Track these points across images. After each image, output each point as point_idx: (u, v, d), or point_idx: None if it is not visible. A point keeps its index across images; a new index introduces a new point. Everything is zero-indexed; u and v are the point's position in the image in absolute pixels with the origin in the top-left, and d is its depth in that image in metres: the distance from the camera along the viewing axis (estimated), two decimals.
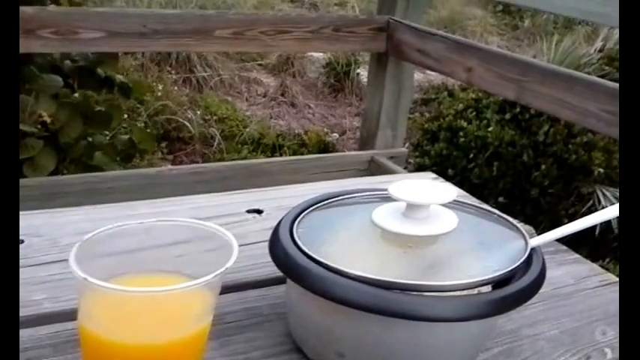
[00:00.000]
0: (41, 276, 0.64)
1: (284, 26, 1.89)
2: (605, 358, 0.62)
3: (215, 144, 3.22)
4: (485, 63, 1.66)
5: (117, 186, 1.80)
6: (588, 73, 3.11)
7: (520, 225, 0.61)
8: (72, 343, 0.55)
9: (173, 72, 3.61)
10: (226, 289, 0.64)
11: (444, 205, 0.58)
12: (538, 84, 1.54)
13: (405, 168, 2.84)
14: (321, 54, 4.09)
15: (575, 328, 0.65)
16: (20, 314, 0.58)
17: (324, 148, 3.39)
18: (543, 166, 2.68)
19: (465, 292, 0.50)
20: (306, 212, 0.60)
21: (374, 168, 2.18)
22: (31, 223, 0.74)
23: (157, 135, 3.10)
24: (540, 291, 0.70)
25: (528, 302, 0.67)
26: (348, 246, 0.56)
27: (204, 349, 0.49)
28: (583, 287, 0.73)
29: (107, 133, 2.42)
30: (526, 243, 0.56)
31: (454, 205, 0.60)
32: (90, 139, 2.17)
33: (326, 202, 0.62)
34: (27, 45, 1.58)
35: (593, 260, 0.81)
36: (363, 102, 3.27)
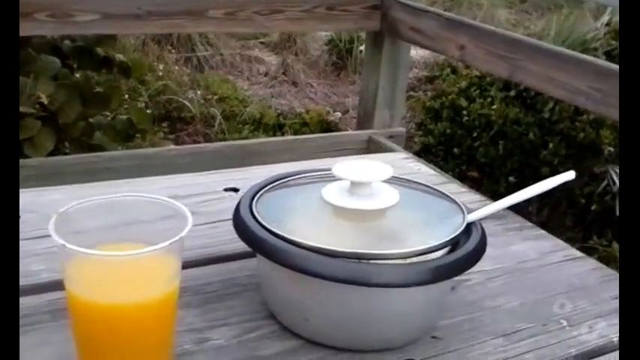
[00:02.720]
0: (37, 249, 0.68)
1: (277, 5, 1.88)
2: (560, 327, 0.63)
3: (216, 124, 3.22)
4: (477, 40, 1.64)
5: (116, 166, 1.81)
6: (595, 49, 3.06)
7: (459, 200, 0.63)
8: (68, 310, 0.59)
9: (174, 51, 3.61)
10: (207, 262, 0.70)
11: (391, 183, 0.62)
12: (529, 61, 1.52)
13: (411, 148, 2.82)
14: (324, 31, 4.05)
15: (536, 301, 0.67)
16: (20, 283, 0.61)
17: (327, 127, 3.37)
18: (551, 145, 2.65)
19: (406, 261, 0.54)
20: (262, 191, 0.64)
21: (373, 148, 2.18)
22: (23, 200, 0.76)
23: (158, 115, 3.10)
24: (505, 265, 0.73)
25: (493, 275, 0.70)
26: (302, 220, 0.61)
27: (175, 310, 0.54)
28: (546, 262, 0.75)
29: (108, 113, 2.44)
30: (464, 216, 0.60)
31: (401, 182, 0.64)
32: (90, 120, 2.19)
33: (280, 181, 0.66)
34: (23, 28, 1.59)
35: None
36: None
